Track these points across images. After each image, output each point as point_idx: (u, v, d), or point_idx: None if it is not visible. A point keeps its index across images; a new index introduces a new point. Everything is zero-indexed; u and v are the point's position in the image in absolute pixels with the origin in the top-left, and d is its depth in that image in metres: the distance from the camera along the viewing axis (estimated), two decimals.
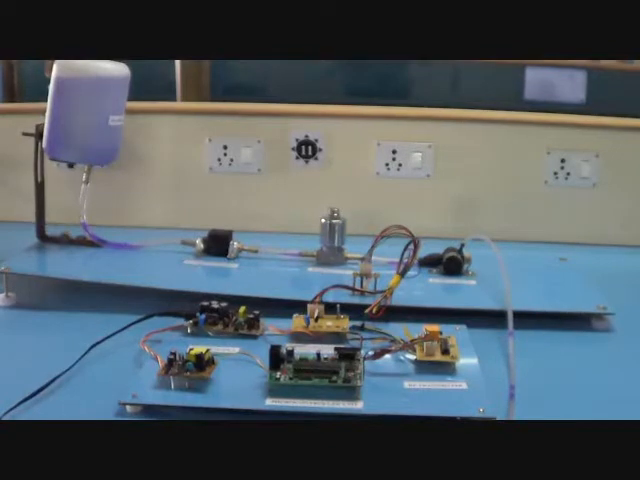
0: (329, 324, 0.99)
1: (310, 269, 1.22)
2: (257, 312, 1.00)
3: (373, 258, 1.12)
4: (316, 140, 1.47)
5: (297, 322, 1.00)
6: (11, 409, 0.80)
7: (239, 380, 0.87)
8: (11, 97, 1.82)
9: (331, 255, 1.23)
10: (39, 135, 1.21)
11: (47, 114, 1.18)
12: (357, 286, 1.10)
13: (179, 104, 1.66)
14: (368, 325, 1.00)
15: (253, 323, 0.99)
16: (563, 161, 1.43)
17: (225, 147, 1.48)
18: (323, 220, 1.23)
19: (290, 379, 0.84)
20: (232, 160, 1.49)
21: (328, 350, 0.87)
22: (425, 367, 0.90)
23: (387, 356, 0.92)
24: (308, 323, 0.99)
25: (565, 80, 1.80)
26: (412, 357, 0.92)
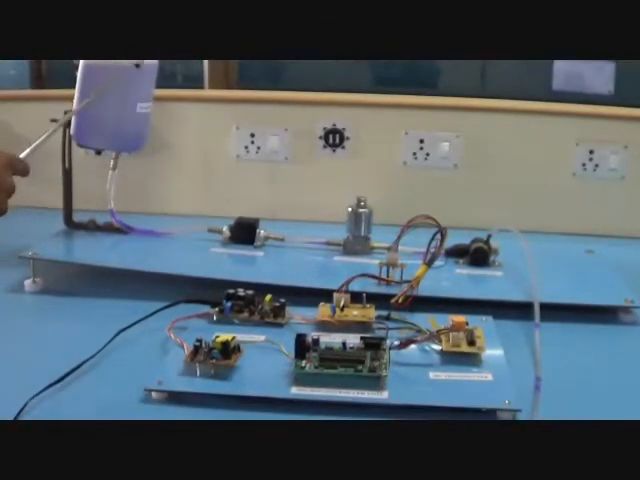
0: (355, 313, 0.99)
1: (336, 258, 1.22)
2: (283, 300, 1.00)
3: (400, 248, 1.12)
4: (343, 129, 1.46)
5: (323, 311, 1.00)
6: (38, 393, 0.81)
7: (264, 368, 0.87)
8: (39, 83, 1.83)
9: (357, 244, 1.23)
10: (67, 122, 1.21)
11: (75, 101, 1.19)
12: (383, 275, 1.10)
13: (207, 92, 1.65)
14: (394, 315, 1.00)
15: (279, 311, 0.99)
16: (592, 152, 1.42)
17: (252, 135, 1.48)
18: (350, 209, 1.23)
19: (315, 368, 0.85)
20: (259, 148, 1.49)
21: (354, 339, 0.87)
22: (451, 358, 0.90)
23: (413, 346, 0.92)
24: (334, 312, 0.99)
25: (593, 71, 1.78)
26: (438, 347, 0.92)
